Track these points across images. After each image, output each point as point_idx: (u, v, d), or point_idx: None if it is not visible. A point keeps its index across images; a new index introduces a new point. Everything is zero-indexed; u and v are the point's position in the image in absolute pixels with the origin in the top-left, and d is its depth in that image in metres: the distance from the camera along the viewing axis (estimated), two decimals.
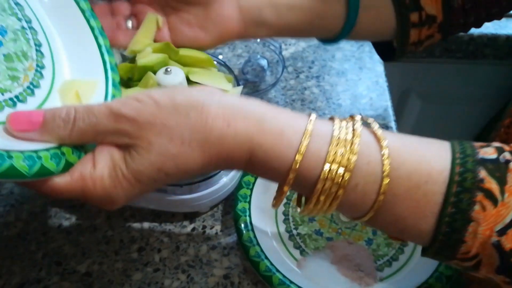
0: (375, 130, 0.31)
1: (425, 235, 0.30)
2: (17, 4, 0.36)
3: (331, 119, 0.32)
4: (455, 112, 0.91)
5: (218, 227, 0.49)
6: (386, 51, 0.53)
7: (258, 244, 0.45)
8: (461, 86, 0.87)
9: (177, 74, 0.41)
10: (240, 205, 0.48)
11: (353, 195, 0.30)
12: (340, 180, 0.29)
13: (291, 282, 0.42)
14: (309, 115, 0.32)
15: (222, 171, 0.47)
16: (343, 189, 0.29)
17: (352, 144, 0.30)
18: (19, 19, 0.35)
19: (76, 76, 0.37)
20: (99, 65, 0.39)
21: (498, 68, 0.82)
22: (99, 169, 0.30)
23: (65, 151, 0.30)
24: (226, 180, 0.48)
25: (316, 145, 0.30)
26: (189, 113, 0.30)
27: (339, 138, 0.30)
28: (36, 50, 0.36)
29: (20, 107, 0.32)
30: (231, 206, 0.51)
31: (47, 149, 0.29)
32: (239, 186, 0.49)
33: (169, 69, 0.41)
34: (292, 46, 0.73)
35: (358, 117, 0.32)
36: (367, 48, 0.73)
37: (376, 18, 0.47)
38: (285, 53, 0.71)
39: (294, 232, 0.49)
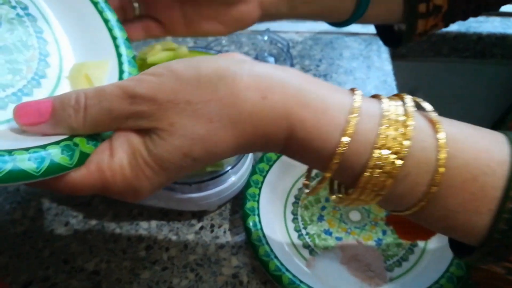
0: (428, 112, 0.27)
1: (477, 232, 0.27)
2: None
3: (376, 96, 0.28)
4: (463, 110, 0.90)
5: (226, 226, 0.49)
6: (389, 35, 0.52)
7: (267, 243, 0.44)
8: (469, 85, 0.87)
9: None
10: (248, 204, 0.47)
11: (402, 185, 0.26)
12: (390, 168, 0.25)
13: (301, 281, 0.42)
14: (353, 90, 0.28)
15: (230, 170, 0.47)
16: (392, 179, 0.26)
17: (405, 126, 0.26)
18: (13, 7, 0.32)
19: (85, 58, 0.34)
20: (108, 43, 0.35)
21: (506, 67, 0.82)
22: (117, 158, 0.27)
23: (78, 142, 0.27)
24: (235, 179, 0.48)
25: (364, 126, 0.26)
26: (217, 86, 0.26)
27: (389, 119, 0.26)
28: (38, 37, 0.33)
29: (26, 101, 0.28)
30: (239, 205, 0.50)
31: (56, 142, 0.26)
32: (247, 185, 0.49)
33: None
34: (299, 44, 0.72)
35: (408, 97, 0.28)
36: (375, 46, 0.72)
37: (385, 10, 0.46)
38: (293, 51, 0.71)
39: (303, 231, 0.48)
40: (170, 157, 0.26)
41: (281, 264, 0.43)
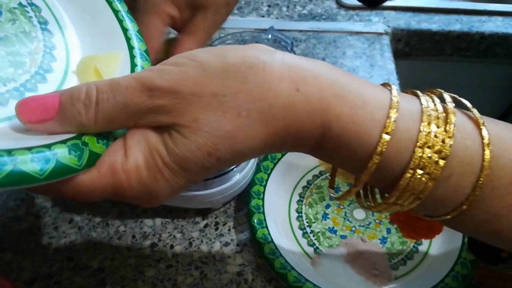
0: (470, 108, 0.26)
1: None
2: None
3: (410, 92, 0.26)
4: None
5: (230, 224, 0.49)
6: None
7: (272, 241, 0.44)
8: (472, 84, 0.87)
9: None
10: (253, 202, 0.47)
11: (443, 188, 0.24)
12: (433, 168, 0.23)
13: (306, 280, 0.42)
14: (387, 84, 0.26)
15: (235, 168, 0.46)
16: (434, 181, 0.23)
17: (446, 123, 0.24)
18: None
19: (94, 51, 0.32)
20: (119, 35, 0.32)
21: (509, 66, 0.82)
22: (133, 158, 0.24)
23: (87, 141, 0.24)
24: (240, 177, 0.48)
25: (405, 123, 0.24)
26: (246, 76, 0.23)
27: (429, 115, 0.24)
28: (42, 28, 0.30)
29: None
30: (243, 203, 0.50)
31: (63, 141, 0.23)
32: (252, 183, 0.49)
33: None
34: (303, 43, 0.72)
35: (446, 93, 0.26)
36: (378, 45, 0.72)
37: None
38: (296, 50, 0.71)
39: (308, 229, 0.48)
40: (192, 157, 0.24)
41: (286, 262, 0.43)
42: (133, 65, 0.31)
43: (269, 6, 0.80)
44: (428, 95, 0.26)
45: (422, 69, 0.83)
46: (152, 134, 0.24)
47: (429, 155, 0.23)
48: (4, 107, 0.25)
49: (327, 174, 0.53)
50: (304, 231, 0.48)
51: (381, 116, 0.24)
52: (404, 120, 0.24)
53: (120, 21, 0.33)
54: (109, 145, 0.25)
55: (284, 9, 0.80)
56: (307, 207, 0.50)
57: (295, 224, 0.49)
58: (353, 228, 0.48)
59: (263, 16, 0.78)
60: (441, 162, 0.23)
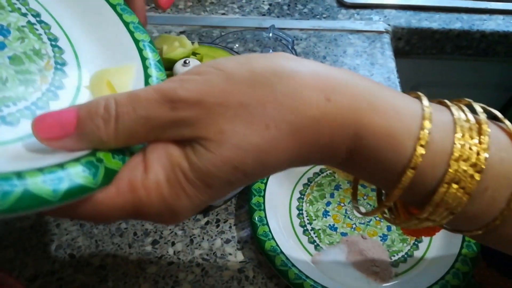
0: (502, 119, 0.24)
1: None
2: None
3: (438, 101, 0.25)
4: None
5: (231, 221, 0.49)
6: None
7: (273, 238, 0.45)
8: (472, 83, 0.87)
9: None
10: (254, 199, 0.47)
11: (478, 202, 0.23)
12: (468, 182, 0.22)
13: (307, 277, 0.42)
14: (413, 93, 0.25)
15: None
16: (468, 195, 0.22)
17: (480, 135, 0.22)
18: (24, 14, 0.30)
19: (106, 65, 0.31)
20: (131, 46, 0.31)
21: (510, 65, 0.82)
22: (153, 174, 0.22)
23: (102, 157, 0.23)
24: None
25: (439, 135, 0.22)
26: (275, 85, 0.22)
27: (462, 126, 0.23)
28: (52, 45, 0.30)
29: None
30: (244, 200, 0.50)
31: (76, 159, 0.22)
32: None
33: (187, 61, 0.41)
34: (303, 41, 0.72)
35: (476, 105, 0.24)
36: (379, 44, 0.73)
37: None
38: (297, 48, 0.71)
39: (308, 227, 0.49)
40: (217, 172, 0.22)
41: (287, 259, 0.43)
42: (147, 76, 0.30)
43: (270, 4, 0.80)
44: (456, 104, 0.25)
45: (422, 67, 0.83)
46: (174, 148, 0.23)
47: (464, 168, 0.22)
48: (15, 127, 0.25)
49: (328, 172, 0.53)
50: (305, 228, 0.48)
51: (415, 127, 0.23)
52: (438, 131, 0.23)
53: (131, 33, 0.32)
54: (126, 161, 0.24)
55: (285, 7, 0.80)
56: (307, 204, 0.50)
57: (296, 221, 0.49)
58: (354, 226, 0.49)
59: (264, 15, 0.78)
60: (477, 176, 0.22)
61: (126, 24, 0.32)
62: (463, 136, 0.22)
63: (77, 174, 0.21)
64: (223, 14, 0.78)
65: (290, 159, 0.23)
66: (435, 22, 0.76)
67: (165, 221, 0.24)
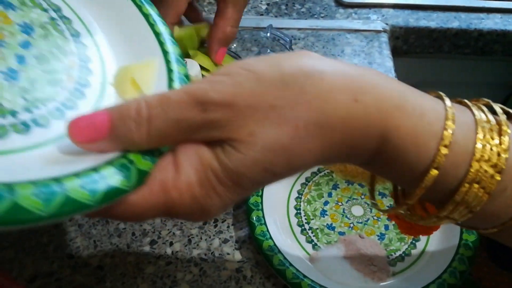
0: None
1: None
2: None
3: (457, 100, 0.25)
4: None
5: (229, 221, 0.49)
6: None
7: (270, 237, 0.45)
8: (470, 81, 0.87)
9: (192, 66, 0.41)
10: (252, 199, 0.48)
11: (497, 202, 0.24)
12: (488, 183, 0.23)
13: (304, 276, 0.42)
14: (434, 93, 0.25)
15: None
16: (488, 195, 0.23)
17: (500, 136, 0.23)
18: (45, 10, 0.29)
19: (128, 60, 0.31)
20: (151, 40, 0.31)
21: (507, 64, 0.82)
22: (184, 175, 0.23)
23: (133, 158, 0.23)
24: None
25: (462, 135, 0.23)
26: (305, 86, 0.22)
27: (483, 127, 0.23)
28: (75, 41, 0.30)
29: (70, 115, 0.25)
30: (242, 200, 0.50)
31: (109, 162, 0.23)
32: None
33: (184, 61, 0.41)
34: (301, 41, 0.73)
35: (496, 105, 0.25)
36: (376, 43, 0.73)
37: None
38: (295, 48, 0.71)
39: (306, 226, 0.49)
40: (247, 172, 0.23)
41: (285, 258, 0.43)
42: (169, 71, 0.29)
43: (267, 4, 0.80)
44: (475, 104, 0.25)
45: (420, 66, 0.83)
46: (205, 149, 0.23)
47: (486, 169, 0.23)
48: (47, 128, 0.25)
49: (326, 171, 0.53)
50: (303, 227, 0.49)
51: (439, 127, 0.23)
52: (460, 132, 0.23)
53: (152, 25, 0.32)
54: (156, 161, 0.24)
55: (283, 7, 0.80)
56: (305, 204, 0.51)
57: (294, 220, 0.49)
58: (351, 225, 0.49)
59: (261, 15, 0.78)
60: (497, 176, 0.23)
61: (146, 16, 0.32)
62: (484, 137, 0.23)
63: (111, 177, 0.22)
64: None
65: (317, 159, 0.23)
66: (433, 21, 0.76)
67: (196, 219, 0.25)
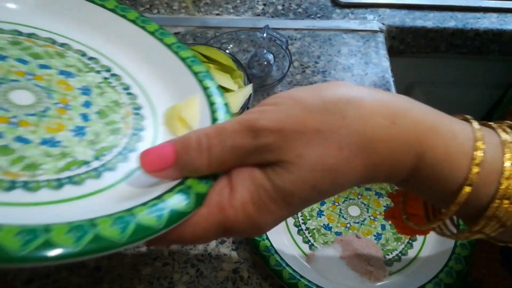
0: None
1: None
2: (91, 58, 0.35)
3: (482, 123, 0.27)
4: (460, 107, 0.91)
5: None
6: None
7: (267, 238, 0.45)
8: (466, 81, 0.87)
9: None
10: None
11: None
12: None
13: (301, 276, 0.42)
14: (462, 116, 0.27)
15: None
16: None
17: None
18: (98, 72, 0.35)
19: (173, 100, 0.35)
20: (191, 80, 0.35)
21: (504, 63, 0.82)
22: (239, 194, 0.25)
23: (190, 184, 0.27)
24: None
25: (491, 155, 0.25)
26: (346, 111, 0.25)
27: (510, 147, 0.25)
28: (127, 93, 0.34)
29: (133, 157, 0.30)
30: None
31: (170, 190, 0.26)
32: None
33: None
34: (298, 41, 0.73)
35: None
36: (373, 43, 0.73)
37: None
38: (291, 48, 0.71)
39: (303, 226, 0.49)
40: (297, 191, 0.25)
41: (281, 259, 0.43)
42: (211, 103, 0.33)
43: (264, 5, 0.80)
44: (500, 127, 0.27)
45: (417, 66, 0.84)
46: (257, 171, 0.26)
47: None
48: (115, 171, 0.29)
49: None
50: (299, 228, 0.49)
51: (469, 148, 0.25)
52: (489, 152, 0.25)
53: (189, 67, 0.36)
54: (211, 184, 0.27)
55: (280, 7, 0.80)
56: None
57: (290, 221, 0.49)
58: (348, 225, 0.49)
59: (258, 15, 0.78)
60: None
61: (183, 60, 0.36)
62: (511, 156, 0.25)
63: (174, 203, 0.25)
64: (218, 14, 0.78)
65: (359, 178, 0.25)
66: (429, 20, 0.76)
67: (250, 235, 0.27)
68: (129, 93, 0.34)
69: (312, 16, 0.78)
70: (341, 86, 0.26)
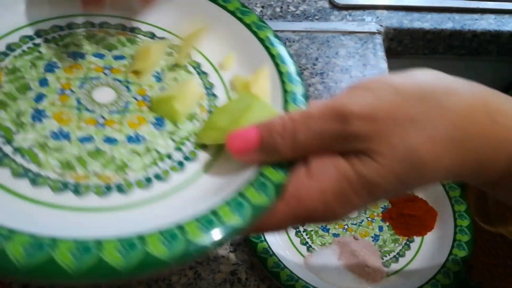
0: None
1: None
2: (160, 38, 0.35)
3: None
4: None
5: None
6: None
7: (265, 240, 0.45)
8: None
9: None
10: None
11: None
12: None
13: (299, 278, 0.42)
14: None
15: None
16: None
17: None
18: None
19: (243, 70, 0.34)
20: (259, 48, 0.34)
21: (502, 64, 0.82)
22: (318, 183, 0.24)
23: (266, 172, 0.26)
24: None
25: None
26: (442, 100, 0.23)
27: None
28: (197, 72, 0.34)
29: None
30: None
31: (250, 183, 0.26)
32: None
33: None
34: (296, 43, 0.73)
35: None
36: (371, 45, 0.73)
37: None
38: (289, 50, 0.71)
39: (301, 228, 0.49)
40: (382, 181, 0.23)
41: (279, 260, 0.43)
42: (280, 73, 0.33)
43: (262, 7, 0.80)
44: None
45: (415, 67, 0.84)
46: (341, 159, 0.24)
47: None
48: (196, 162, 0.29)
49: None
50: (297, 229, 0.49)
51: None
52: None
53: (255, 33, 0.35)
54: (287, 172, 0.26)
55: (278, 9, 0.80)
56: None
57: None
58: (346, 226, 0.49)
59: None
60: None
61: (248, 26, 0.36)
62: None
63: (253, 196, 0.25)
64: None
65: (445, 175, 0.24)
66: (427, 22, 0.76)
67: (327, 221, 0.27)
68: (199, 72, 0.34)
69: (310, 18, 0.78)
70: (434, 73, 0.25)
